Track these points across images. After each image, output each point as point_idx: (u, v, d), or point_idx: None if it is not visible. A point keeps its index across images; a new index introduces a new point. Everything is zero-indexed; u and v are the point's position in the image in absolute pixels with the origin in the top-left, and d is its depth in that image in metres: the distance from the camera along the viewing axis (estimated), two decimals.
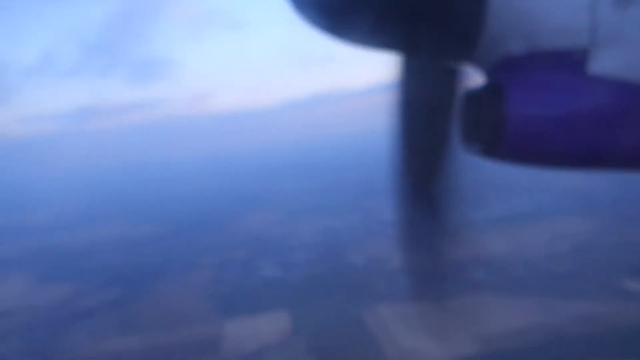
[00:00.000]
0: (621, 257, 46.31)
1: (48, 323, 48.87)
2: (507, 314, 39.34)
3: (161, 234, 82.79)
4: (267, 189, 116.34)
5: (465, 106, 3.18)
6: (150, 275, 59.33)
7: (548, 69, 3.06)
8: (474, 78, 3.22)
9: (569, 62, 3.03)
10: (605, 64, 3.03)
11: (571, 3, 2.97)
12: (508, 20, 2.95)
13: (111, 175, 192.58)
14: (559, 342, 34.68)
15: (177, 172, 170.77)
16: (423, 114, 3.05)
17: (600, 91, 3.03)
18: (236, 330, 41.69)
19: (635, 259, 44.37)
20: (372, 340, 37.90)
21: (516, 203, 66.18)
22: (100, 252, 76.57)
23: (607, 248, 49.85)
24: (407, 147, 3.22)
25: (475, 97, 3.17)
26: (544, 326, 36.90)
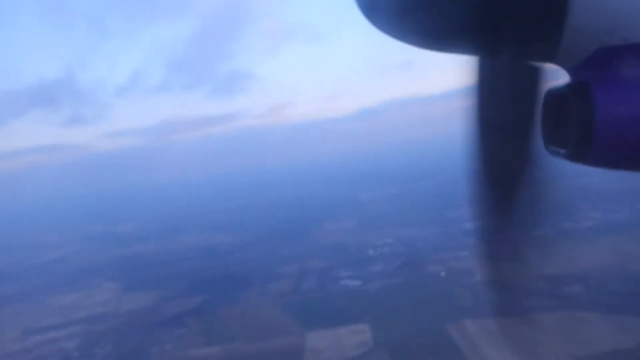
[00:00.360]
0: None
1: (135, 328, 50.82)
2: (601, 332, 36.38)
3: (242, 243, 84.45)
4: (345, 197, 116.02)
5: (549, 107, 2.98)
6: (232, 284, 60.37)
7: (637, 64, 2.82)
8: (556, 77, 2.98)
9: None
10: None
11: None
12: (593, 14, 2.74)
13: (193, 186, 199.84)
14: None
15: (256, 182, 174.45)
16: (503, 117, 2.80)
17: None
18: (318, 341, 41.20)
19: None
20: (456, 355, 36.26)
21: (609, 211, 61.75)
22: (184, 261, 79.19)
23: None
24: (488, 153, 2.96)
25: (559, 97, 2.93)
26: None
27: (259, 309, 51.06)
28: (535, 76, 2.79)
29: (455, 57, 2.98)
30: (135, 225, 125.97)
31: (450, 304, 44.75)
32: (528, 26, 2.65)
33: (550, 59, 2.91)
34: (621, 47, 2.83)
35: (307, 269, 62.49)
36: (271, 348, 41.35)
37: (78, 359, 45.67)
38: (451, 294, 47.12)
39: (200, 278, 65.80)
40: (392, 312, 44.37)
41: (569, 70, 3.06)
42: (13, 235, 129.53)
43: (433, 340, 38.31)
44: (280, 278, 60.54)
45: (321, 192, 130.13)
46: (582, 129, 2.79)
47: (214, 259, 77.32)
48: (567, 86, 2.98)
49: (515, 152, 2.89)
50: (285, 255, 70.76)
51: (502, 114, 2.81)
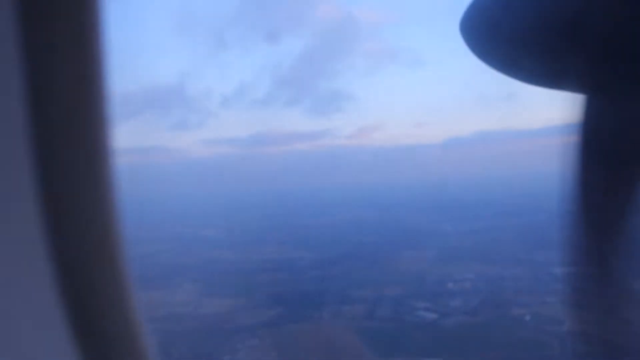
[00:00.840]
0: None
1: (210, 333, 52.16)
2: None
3: (319, 260, 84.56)
4: (426, 226, 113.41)
5: None
6: (306, 301, 60.57)
7: None
8: None
9: None
10: None
11: None
12: None
13: (276, 198, 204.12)
14: None
15: (338, 201, 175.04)
16: (608, 160, 2.64)
17: None
18: None
19: None
20: None
21: None
22: (261, 272, 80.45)
23: None
24: (588, 197, 2.75)
25: None
26: None
27: (332, 330, 50.76)
28: None
29: (561, 92, 2.81)
30: (217, 231, 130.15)
31: (535, 351, 42.15)
32: None
33: None
34: None
35: (383, 296, 61.35)
36: None
37: (153, 355, 47.31)
38: (536, 341, 44.36)
39: (275, 291, 66.53)
40: (471, 351, 42.43)
41: None
42: None
43: None
44: (354, 301, 59.85)
45: (402, 218, 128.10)
46: None
47: (290, 273, 77.94)
48: None
49: (619, 198, 2.70)
50: (361, 279, 69.96)
51: (607, 157, 2.66)
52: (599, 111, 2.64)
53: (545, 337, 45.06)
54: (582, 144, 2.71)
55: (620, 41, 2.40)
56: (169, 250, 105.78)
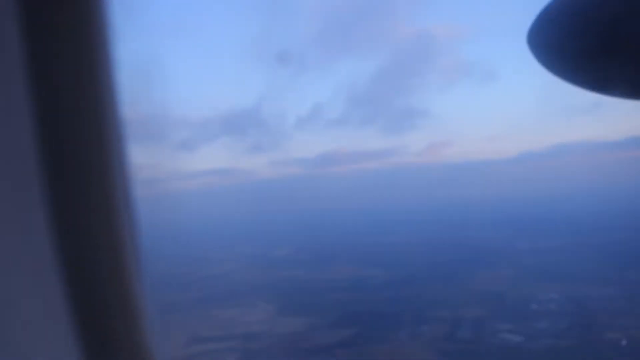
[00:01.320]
0: None
1: (287, 352, 52.28)
2: None
3: (393, 280, 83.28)
4: (501, 244, 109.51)
5: None
6: (382, 321, 59.55)
7: None
8: None
9: None
10: None
11: None
12: None
13: (341, 217, 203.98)
14: None
15: (409, 220, 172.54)
16: None
17: None
18: None
19: None
20: None
21: None
22: (334, 291, 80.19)
23: None
24: None
25: None
26: None
27: (412, 351, 49.46)
28: None
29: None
30: (288, 251, 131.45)
31: None
32: None
33: None
34: None
35: (461, 316, 59.34)
36: None
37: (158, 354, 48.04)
38: None
39: (350, 311, 65.91)
40: None
41: None
42: (187, 248, 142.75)
43: None
44: (432, 322, 58.20)
45: (476, 236, 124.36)
46: None
47: (364, 293, 77.15)
48: None
49: None
50: (437, 299, 68.10)
51: None
52: None
53: None
54: None
55: None
56: (241, 270, 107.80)
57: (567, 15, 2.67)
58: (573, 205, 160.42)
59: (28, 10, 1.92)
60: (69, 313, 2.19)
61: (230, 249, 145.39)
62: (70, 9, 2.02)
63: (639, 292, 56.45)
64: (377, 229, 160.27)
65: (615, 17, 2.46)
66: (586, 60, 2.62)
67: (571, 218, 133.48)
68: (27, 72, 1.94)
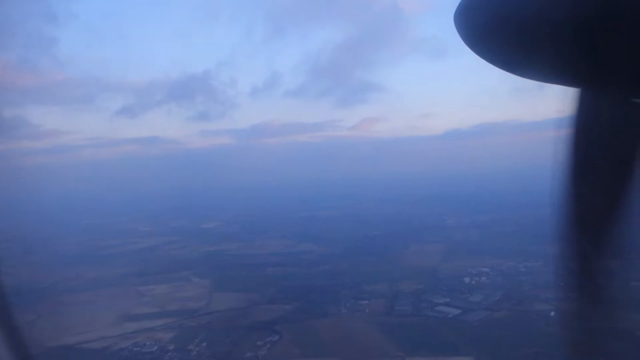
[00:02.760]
0: None
1: (228, 329, 50.78)
2: None
3: (327, 254, 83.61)
4: (430, 219, 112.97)
5: None
6: (321, 296, 59.41)
7: None
8: None
9: None
10: None
11: None
12: None
13: (275, 191, 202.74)
14: None
15: (338, 194, 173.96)
16: (600, 153, 2.69)
17: None
18: None
19: None
20: None
21: None
22: (269, 266, 79.36)
23: None
24: (579, 191, 2.80)
25: None
26: None
27: (354, 326, 49.64)
28: None
29: (560, 86, 2.80)
30: (218, 224, 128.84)
31: (565, 348, 41.32)
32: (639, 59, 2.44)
33: None
34: None
35: (399, 290, 60.46)
36: None
37: (174, 352, 46.15)
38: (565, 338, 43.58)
39: (288, 286, 65.37)
40: (501, 349, 41.57)
41: None
42: (107, 220, 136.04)
43: None
44: (370, 296, 58.87)
45: (405, 211, 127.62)
46: None
47: (300, 267, 76.88)
48: None
49: (609, 193, 2.74)
50: (374, 273, 69.05)
51: (599, 151, 2.69)
52: (595, 107, 2.67)
53: (574, 334, 44.10)
54: (576, 139, 2.72)
55: (614, 38, 2.37)
56: (169, 244, 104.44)
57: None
58: (497, 182, 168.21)
59: None
60: None
61: (156, 222, 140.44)
62: None
63: (562, 265, 59.74)
64: (308, 203, 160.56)
65: (535, 5, 2.54)
66: (507, 44, 2.70)
67: (495, 195, 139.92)
68: None
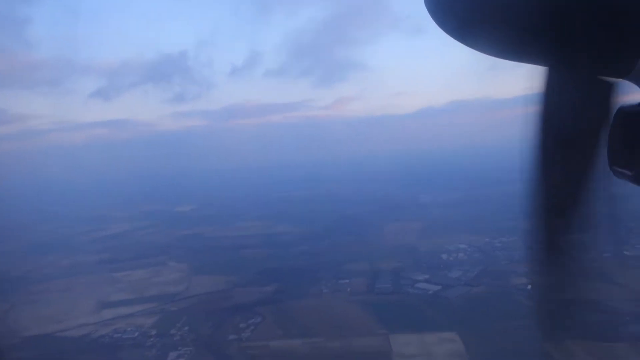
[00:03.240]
0: None
1: (209, 312, 50.39)
2: None
3: (304, 235, 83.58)
4: (405, 198, 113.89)
5: (619, 125, 2.78)
6: (301, 277, 59.34)
7: None
8: (631, 93, 2.79)
9: None
10: None
11: None
12: None
13: (250, 172, 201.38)
14: None
15: (313, 175, 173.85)
16: (568, 130, 2.72)
17: None
18: (404, 346, 39.64)
19: None
20: None
21: None
22: (247, 248, 78.94)
23: None
24: (546, 167, 2.84)
25: (631, 115, 2.76)
26: None
27: (336, 305, 49.82)
28: (607, 91, 2.66)
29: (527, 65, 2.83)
30: (193, 207, 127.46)
31: (544, 321, 42.33)
32: (606, 39, 2.51)
33: (626, 74, 2.70)
34: None
35: (378, 269, 60.89)
36: (356, 348, 40.02)
37: (157, 337, 45.59)
38: (543, 311, 44.63)
39: (267, 268, 65.14)
40: (482, 323, 42.28)
41: None
42: (83, 206, 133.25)
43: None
44: (351, 275, 59.11)
45: (380, 189, 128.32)
46: None
47: (278, 249, 76.66)
48: None
49: (576, 169, 2.78)
50: (352, 252, 69.35)
51: (566, 126, 2.72)
52: (562, 84, 2.68)
53: (552, 306, 45.16)
54: (544, 116, 2.75)
55: (585, 18, 2.41)
56: (145, 229, 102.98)
57: None
58: (470, 159, 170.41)
59: None
60: None
61: (128, 207, 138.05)
62: None
63: (535, 240, 61.02)
64: (283, 184, 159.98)
65: None
66: (473, 22, 2.71)
67: (469, 172, 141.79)
68: None
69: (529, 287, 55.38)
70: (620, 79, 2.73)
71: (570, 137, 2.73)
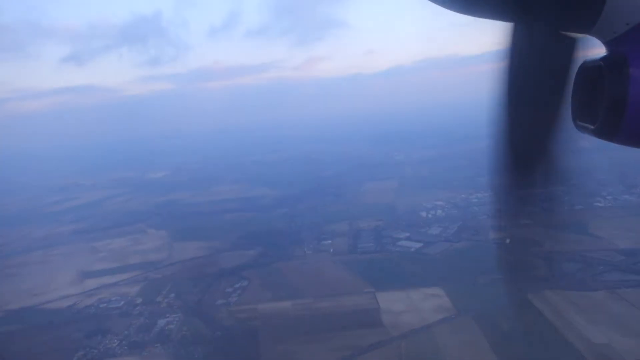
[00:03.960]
0: None
1: (195, 278, 50.23)
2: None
3: (282, 197, 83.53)
4: (379, 157, 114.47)
5: (582, 80, 2.93)
6: (283, 239, 59.58)
7: None
8: (593, 49, 2.91)
9: None
10: None
11: None
12: None
13: (220, 136, 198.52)
14: None
15: (283, 136, 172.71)
16: (533, 85, 2.76)
17: None
18: (392, 303, 40.46)
19: None
20: (546, 326, 35.45)
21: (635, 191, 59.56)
22: (225, 212, 78.59)
23: None
24: (512, 121, 2.91)
25: (593, 69, 2.85)
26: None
27: (321, 266, 50.32)
28: (570, 47, 2.71)
29: (494, 21, 2.90)
30: (166, 172, 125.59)
31: (524, 272, 43.70)
32: None
33: (588, 30, 2.81)
34: None
35: (359, 228, 61.51)
36: (345, 307, 40.70)
37: (143, 305, 45.39)
38: (521, 262, 46.00)
39: (247, 231, 65.07)
40: (465, 277, 43.38)
41: (606, 43, 2.93)
42: (50, 175, 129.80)
43: (518, 311, 37.52)
44: (332, 236, 59.58)
45: (354, 150, 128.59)
46: (614, 103, 2.71)
47: (257, 212, 76.60)
48: (603, 59, 2.85)
49: (541, 123, 2.82)
50: (332, 213, 69.78)
51: (532, 81, 2.75)
52: (526, 40, 2.73)
53: (530, 258, 46.60)
54: (509, 72, 2.79)
55: None
56: (118, 196, 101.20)
57: None
58: (441, 117, 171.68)
59: None
60: None
61: (97, 175, 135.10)
62: None
63: (504, 194, 62.31)
64: (257, 146, 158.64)
65: None
66: None
67: (440, 129, 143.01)
68: None
69: (507, 241, 56.95)
70: (583, 35, 2.79)
71: (534, 92, 2.77)
